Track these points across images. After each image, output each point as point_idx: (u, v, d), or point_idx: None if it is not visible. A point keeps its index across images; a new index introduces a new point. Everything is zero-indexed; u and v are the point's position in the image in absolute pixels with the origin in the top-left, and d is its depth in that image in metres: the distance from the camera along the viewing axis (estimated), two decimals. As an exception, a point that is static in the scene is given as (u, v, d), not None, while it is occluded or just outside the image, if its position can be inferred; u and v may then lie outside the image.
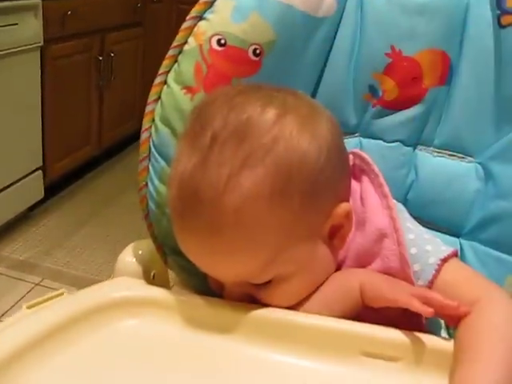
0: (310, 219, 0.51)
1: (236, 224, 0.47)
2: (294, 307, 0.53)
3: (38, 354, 0.47)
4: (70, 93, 2.47)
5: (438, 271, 0.54)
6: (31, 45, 2.10)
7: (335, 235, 0.55)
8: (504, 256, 0.64)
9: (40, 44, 2.16)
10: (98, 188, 2.77)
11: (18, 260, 2.10)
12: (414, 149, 0.70)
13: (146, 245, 0.71)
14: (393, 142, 0.69)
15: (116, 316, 0.51)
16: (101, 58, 2.64)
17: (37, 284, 1.97)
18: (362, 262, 0.56)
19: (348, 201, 0.56)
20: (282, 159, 0.48)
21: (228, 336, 0.51)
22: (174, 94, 0.60)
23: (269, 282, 0.52)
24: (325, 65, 0.67)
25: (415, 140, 0.70)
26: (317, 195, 0.51)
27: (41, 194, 2.38)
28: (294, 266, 0.52)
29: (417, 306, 0.48)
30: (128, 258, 0.68)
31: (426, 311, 0.48)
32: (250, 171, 0.47)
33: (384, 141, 0.69)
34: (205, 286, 0.64)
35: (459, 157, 0.70)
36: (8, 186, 2.14)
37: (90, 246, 2.27)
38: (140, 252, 0.69)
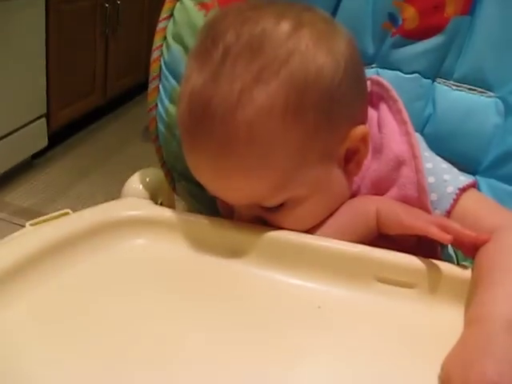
0: (324, 139, 0.49)
1: (248, 140, 0.46)
2: (306, 232, 0.52)
3: (40, 270, 0.45)
4: (74, 39, 2.42)
5: (456, 201, 0.52)
6: (36, -13, 2.06)
7: (351, 160, 0.53)
8: (523, 193, 0.63)
9: (45, -14, 2.11)
10: (102, 138, 2.75)
11: (20, 207, 2.09)
12: (433, 81, 0.68)
13: (153, 173, 0.69)
14: (411, 73, 0.67)
15: (122, 235, 0.50)
16: (107, 6, 2.58)
17: (40, 230, 1.98)
18: (378, 190, 0.55)
19: (365, 124, 0.54)
20: (297, 73, 0.46)
21: (238, 257, 0.50)
22: (187, 10, 0.57)
23: (281, 206, 0.50)
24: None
25: (434, 72, 0.67)
26: (332, 113, 0.49)
27: (45, 142, 2.36)
28: (307, 188, 0.50)
29: (435, 232, 0.47)
30: (135, 184, 0.66)
31: (445, 237, 0.47)
32: (264, 85, 0.45)
33: (402, 72, 0.67)
34: (213, 214, 0.63)
35: (479, 91, 0.67)
36: (11, 133, 2.12)
37: (93, 194, 2.26)
38: (147, 179, 0.67)
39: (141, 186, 0.65)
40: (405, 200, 0.53)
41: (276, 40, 0.46)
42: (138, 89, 3.27)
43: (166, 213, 0.52)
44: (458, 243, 0.49)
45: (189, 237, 0.50)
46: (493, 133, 0.66)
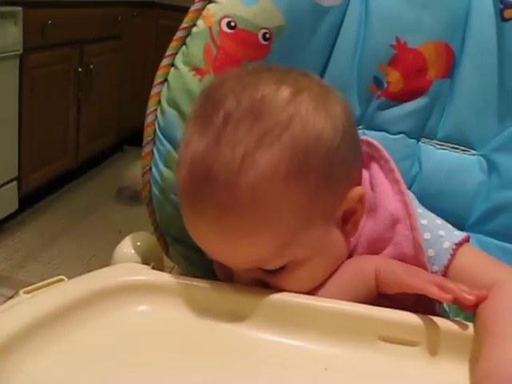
0: (325, 201, 0.50)
1: (252, 204, 0.46)
2: (307, 293, 0.52)
3: (37, 341, 0.44)
4: (47, 103, 2.43)
5: (453, 256, 0.53)
6: (10, 52, 2.07)
7: (348, 220, 0.53)
8: (509, 246, 0.64)
9: (19, 52, 2.13)
10: (74, 201, 2.72)
11: (-9, 272, 2.04)
12: (418, 141, 0.70)
13: (144, 237, 0.68)
14: (397, 134, 0.69)
15: (122, 302, 0.49)
16: (80, 70, 2.61)
17: (10, 297, 1.91)
18: (374, 248, 0.55)
19: (360, 185, 0.55)
20: (299, 137, 0.47)
21: (241, 321, 0.49)
22: (182, 75, 0.58)
23: (282, 268, 0.50)
24: (330, 54, 0.67)
25: (419, 132, 0.69)
26: (332, 175, 0.50)
27: (15, 206, 2.32)
28: (309, 250, 0.50)
29: (434, 291, 0.47)
30: (126, 249, 0.66)
31: (444, 297, 0.47)
32: (266, 149, 0.46)
33: (388, 133, 0.69)
34: (209, 278, 0.62)
35: (462, 149, 0.70)
36: (-19, 196, 2.09)
37: (65, 259, 2.22)
38: (138, 244, 0.66)
39: (132, 251, 0.65)
40: (402, 258, 0.54)
41: (276, 105, 0.47)
42: (110, 151, 3.28)
43: (166, 278, 0.51)
44: (456, 301, 0.49)
45: (191, 302, 0.49)
46: (477, 190, 0.68)
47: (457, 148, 0.70)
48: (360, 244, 0.55)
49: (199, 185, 0.47)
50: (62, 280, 0.53)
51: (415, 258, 0.53)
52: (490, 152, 0.68)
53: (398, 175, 0.56)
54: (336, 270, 0.53)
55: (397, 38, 0.66)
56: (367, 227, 0.55)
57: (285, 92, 0.48)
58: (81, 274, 1.97)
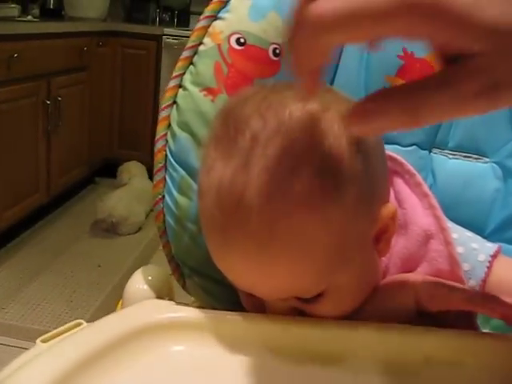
0: (361, 221, 0.47)
1: (289, 233, 0.42)
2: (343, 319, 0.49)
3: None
4: (16, 138, 2.36)
5: (489, 268, 0.51)
6: (-24, 88, 2.01)
7: (380, 239, 0.50)
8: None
9: (-15, 88, 2.07)
10: (49, 237, 2.64)
11: (-34, 317, 1.94)
12: (430, 152, 0.68)
13: (154, 270, 0.64)
14: (409, 145, 0.67)
15: (155, 343, 0.44)
16: (48, 102, 2.55)
17: (-11, 342, 1.83)
18: (408, 267, 0.52)
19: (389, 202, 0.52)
20: (334, 155, 0.44)
21: (280, 354, 0.45)
22: (192, 96, 0.55)
23: (319, 295, 0.47)
24: (336, 68, 0.65)
25: (430, 143, 0.68)
26: (368, 193, 0.47)
27: (-12, 246, 2.24)
28: (346, 274, 0.47)
29: (483, 305, 0.45)
30: (138, 285, 0.61)
31: (493, 311, 0.45)
32: (301, 172, 0.43)
33: (400, 145, 0.67)
34: (230, 311, 0.59)
35: (474, 158, 0.68)
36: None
37: (45, 297, 2.14)
38: (149, 278, 0.62)
39: (146, 286, 0.60)
40: (437, 274, 0.51)
41: (306, 123, 0.44)
42: (83, 184, 3.21)
43: (197, 314, 0.47)
44: (504, 316, 0.47)
45: (224, 337, 0.46)
46: (494, 197, 0.67)
47: (469, 156, 0.69)
48: (392, 263, 0.53)
49: (230, 214, 0.42)
50: (80, 324, 0.49)
51: (451, 274, 0.51)
52: (503, 159, 0.66)
53: (426, 189, 0.54)
54: (373, 294, 0.50)
55: (403, 48, 0.64)
56: (399, 245, 0.53)
57: (313, 109, 0.45)
58: (62, 313, 1.88)
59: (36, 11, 3.06)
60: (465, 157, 0.69)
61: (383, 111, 0.31)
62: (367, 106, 0.32)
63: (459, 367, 0.46)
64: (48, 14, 3.11)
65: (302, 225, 0.42)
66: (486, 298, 0.47)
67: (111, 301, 2.17)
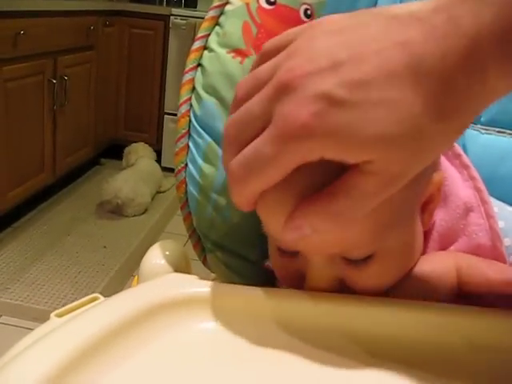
0: (422, 183, 0.42)
1: None
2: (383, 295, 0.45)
3: (97, 364, 0.36)
4: (22, 117, 2.33)
5: None
6: (-18, 65, 1.98)
7: (425, 210, 0.47)
8: None
9: (-9, 64, 2.03)
10: (54, 218, 2.62)
11: (-29, 297, 1.93)
12: (461, 126, 0.65)
13: (171, 245, 0.61)
14: (440, 119, 0.64)
15: (181, 318, 0.41)
16: (54, 81, 2.51)
17: (-5, 321, 1.81)
18: (446, 241, 0.49)
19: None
20: None
21: (318, 333, 0.42)
22: (219, 58, 0.51)
23: (367, 259, 0.43)
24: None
25: (462, 117, 0.64)
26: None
27: (-7, 226, 2.22)
28: (397, 240, 0.43)
29: None
30: (155, 260, 0.58)
31: None
32: None
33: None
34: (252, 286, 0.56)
35: (508, 133, 0.65)
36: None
37: (50, 278, 2.12)
38: (167, 253, 0.59)
39: (163, 261, 0.57)
40: (476, 250, 0.48)
41: None
42: (88, 165, 3.19)
43: (224, 288, 0.44)
44: None
45: (253, 313, 0.42)
46: (529, 174, 0.64)
47: (503, 132, 0.65)
48: (431, 238, 0.50)
49: None
50: (96, 298, 0.46)
51: (492, 249, 0.48)
52: (540, 134, 0.63)
53: (466, 160, 0.51)
54: (411, 270, 0.47)
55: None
56: (437, 218, 0.50)
57: None
58: (68, 293, 1.86)
59: (42, -12, 3.01)
60: (498, 132, 0.65)
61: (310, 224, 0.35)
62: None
63: (505, 352, 0.43)
64: (55, -8, 3.06)
65: None
66: None
67: (116, 282, 2.15)
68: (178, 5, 3.70)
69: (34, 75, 2.39)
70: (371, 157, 0.31)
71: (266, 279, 0.55)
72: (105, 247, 2.41)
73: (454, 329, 0.43)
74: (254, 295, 0.44)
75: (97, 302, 0.46)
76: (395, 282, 0.46)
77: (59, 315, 0.45)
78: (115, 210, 2.71)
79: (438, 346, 0.42)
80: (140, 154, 3.01)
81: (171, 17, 3.21)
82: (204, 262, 0.56)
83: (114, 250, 2.39)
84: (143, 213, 2.76)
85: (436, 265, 0.46)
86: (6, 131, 2.20)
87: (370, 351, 0.41)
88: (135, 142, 3.18)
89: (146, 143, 3.19)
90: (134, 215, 2.74)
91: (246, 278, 0.55)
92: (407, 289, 0.46)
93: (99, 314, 0.42)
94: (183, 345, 0.39)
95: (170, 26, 3.22)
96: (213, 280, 0.62)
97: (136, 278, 0.60)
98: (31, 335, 0.42)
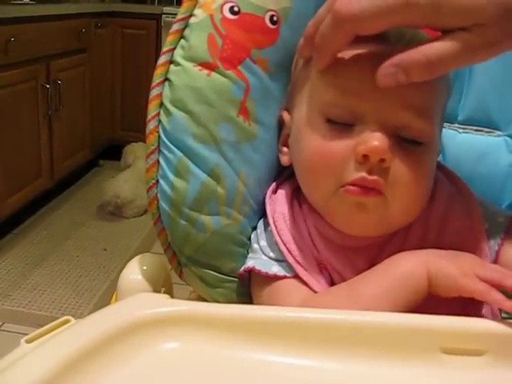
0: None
1: None
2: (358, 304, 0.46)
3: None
4: (17, 124, 2.33)
5: (508, 229, 0.51)
6: (-27, 73, 1.98)
7: None
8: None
9: (-17, 73, 2.03)
10: (54, 222, 2.62)
11: (-27, 305, 1.93)
12: (439, 126, 0.65)
13: (149, 259, 0.61)
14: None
15: (146, 341, 0.41)
16: (48, 86, 2.51)
17: (-3, 330, 1.82)
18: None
19: None
20: None
21: (275, 347, 0.42)
22: (186, 72, 0.51)
23: (417, 144, 0.47)
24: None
25: (439, 117, 0.64)
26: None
27: (-7, 233, 2.22)
28: (436, 134, 0.49)
29: (499, 301, 0.42)
30: (133, 275, 0.58)
31: (509, 307, 0.42)
32: None
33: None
34: (226, 299, 0.56)
35: (486, 131, 0.65)
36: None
37: (51, 283, 2.13)
38: (144, 268, 0.59)
39: (140, 276, 0.57)
40: (461, 239, 0.50)
41: None
42: (87, 167, 3.19)
43: (188, 307, 0.44)
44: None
45: (218, 332, 0.42)
46: (508, 172, 0.64)
47: (481, 130, 0.65)
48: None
49: None
50: (68, 321, 0.46)
51: (473, 232, 0.50)
52: (517, 131, 0.63)
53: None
54: (382, 271, 0.47)
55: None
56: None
57: None
58: (69, 298, 1.85)
59: (32, -7, 3.00)
60: (476, 130, 0.65)
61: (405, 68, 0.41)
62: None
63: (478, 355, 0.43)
64: (45, -4, 3.05)
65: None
66: (500, 283, 0.43)
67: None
68: (170, 3, 3.68)
69: (27, 81, 2.39)
70: (480, 20, 0.38)
71: (241, 290, 0.55)
72: (105, 250, 2.41)
73: (422, 337, 0.43)
74: (218, 313, 0.44)
75: (68, 324, 0.46)
76: (418, 211, 0.49)
77: (29, 341, 0.44)
78: (115, 212, 2.72)
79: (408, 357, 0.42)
80: (138, 155, 3.00)
81: (163, 15, 3.20)
82: (180, 275, 0.56)
83: (114, 252, 2.39)
84: (143, 214, 2.76)
85: (406, 268, 0.46)
86: (2, 139, 2.20)
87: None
88: (133, 141, 3.18)
89: (144, 142, 3.18)
90: (134, 216, 2.74)
91: (220, 290, 0.55)
92: (377, 298, 0.46)
93: (68, 338, 0.42)
94: (148, 367, 0.39)
95: (162, 24, 3.21)
96: (192, 293, 0.62)
97: (115, 294, 0.60)
98: (0, 362, 0.42)
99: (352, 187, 0.46)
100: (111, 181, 2.72)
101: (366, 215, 0.47)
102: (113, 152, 3.31)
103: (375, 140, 0.44)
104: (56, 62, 2.61)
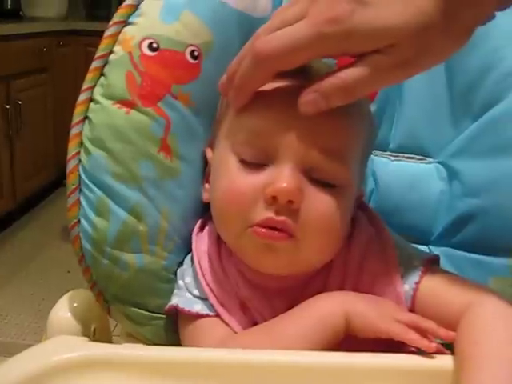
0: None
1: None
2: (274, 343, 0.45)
3: None
4: (-24, 145, 2.29)
5: (424, 272, 0.50)
6: None
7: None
8: (483, 258, 0.59)
9: None
10: (17, 245, 2.57)
11: None
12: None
13: (82, 295, 0.60)
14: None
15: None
16: (7, 107, 2.48)
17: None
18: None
19: None
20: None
21: None
22: (105, 110, 0.51)
23: (330, 186, 0.46)
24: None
25: (370, 145, 0.65)
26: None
27: (-48, 258, 2.17)
28: (351, 178, 0.48)
29: (414, 339, 0.43)
30: (61, 312, 0.57)
31: (428, 346, 0.42)
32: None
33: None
34: (154, 337, 0.55)
35: (418, 158, 0.66)
36: None
37: (14, 307, 2.08)
38: (75, 304, 0.58)
39: (69, 314, 0.56)
40: (374, 278, 0.50)
41: None
42: (49, 187, 3.14)
43: (103, 351, 0.43)
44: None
45: (137, 375, 0.42)
46: (439, 200, 0.64)
47: (412, 158, 0.66)
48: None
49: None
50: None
51: (387, 275, 0.50)
52: (447, 158, 0.64)
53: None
54: (301, 315, 0.47)
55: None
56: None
57: None
58: (31, 322, 1.80)
59: (-8, 12, 2.97)
60: (407, 158, 0.66)
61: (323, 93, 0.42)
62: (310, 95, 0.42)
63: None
64: (4, 15, 3.01)
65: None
66: (416, 325, 0.44)
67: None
68: (135, 20, 3.67)
69: (-14, 102, 2.36)
70: (392, 41, 0.39)
71: (169, 327, 0.55)
72: (69, 272, 2.37)
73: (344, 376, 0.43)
74: (133, 356, 0.43)
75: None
76: (332, 252, 0.49)
77: None
78: (79, 233, 2.68)
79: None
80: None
81: (127, 33, 3.19)
82: (109, 313, 0.55)
83: (78, 274, 2.35)
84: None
85: (324, 308, 0.46)
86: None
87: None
88: (98, 160, 3.15)
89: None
90: (99, 236, 2.70)
91: (148, 328, 0.54)
92: (294, 337, 0.46)
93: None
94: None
95: (126, 42, 3.20)
96: (122, 329, 0.61)
97: (45, 333, 0.59)
98: None
99: (259, 228, 0.45)
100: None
101: (276, 256, 0.46)
102: (78, 171, 3.27)
103: (284, 181, 0.44)
104: (16, 82, 2.57)
